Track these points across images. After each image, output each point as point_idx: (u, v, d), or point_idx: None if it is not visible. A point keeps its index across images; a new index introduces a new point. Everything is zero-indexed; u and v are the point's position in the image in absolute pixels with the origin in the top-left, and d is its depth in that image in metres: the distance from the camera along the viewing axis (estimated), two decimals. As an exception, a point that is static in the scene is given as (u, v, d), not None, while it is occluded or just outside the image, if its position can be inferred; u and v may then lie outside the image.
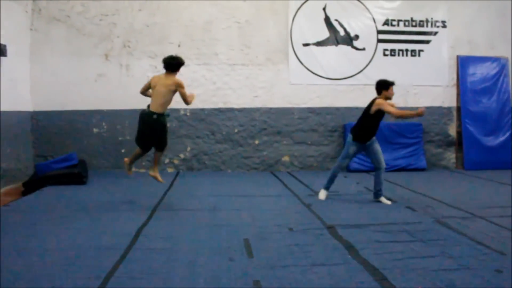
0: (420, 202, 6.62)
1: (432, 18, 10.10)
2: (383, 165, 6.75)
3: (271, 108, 9.67)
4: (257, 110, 9.63)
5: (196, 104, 9.43)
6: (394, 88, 9.90)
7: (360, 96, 9.84)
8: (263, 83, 9.64)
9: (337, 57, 9.76)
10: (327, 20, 9.75)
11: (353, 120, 9.69)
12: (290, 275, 3.75)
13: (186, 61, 9.37)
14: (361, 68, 9.82)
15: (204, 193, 7.24)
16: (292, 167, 9.70)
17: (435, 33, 10.11)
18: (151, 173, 6.49)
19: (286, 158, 9.74)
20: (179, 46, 9.46)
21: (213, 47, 9.53)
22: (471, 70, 10.25)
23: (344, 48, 9.80)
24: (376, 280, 3.64)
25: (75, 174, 7.88)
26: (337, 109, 9.75)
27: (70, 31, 9.21)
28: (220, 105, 9.57)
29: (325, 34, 9.76)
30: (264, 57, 9.63)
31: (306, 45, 9.69)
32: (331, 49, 9.76)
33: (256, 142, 9.66)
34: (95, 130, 9.41)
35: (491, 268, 3.94)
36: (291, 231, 5.09)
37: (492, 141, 10.20)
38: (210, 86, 9.55)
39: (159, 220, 5.53)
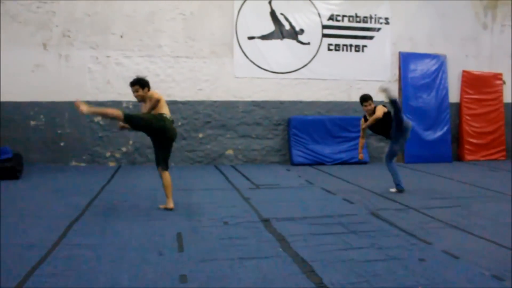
0: (358, 195, 6.72)
1: (375, 15, 10.29)
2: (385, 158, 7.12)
3: (215, 101, 9.60)
4: (201, 103, 9.53)
5: (139, 97, 9.31)
6: (338, 83, 10.11)
7: (305, 90, 9.96)
8: (207, 76, 9.54)
9: (282, 51, 9.78)
10: (273, 14, 9.75)
11: (298, 113, 9.88)
12: (218, 268, 3.71)
13: (129, 53, 9.28)
14: (306, 62, 9.89)
15: (144, 187, 7.11)
16: (236, 161, 9.67)
17: (378, 29, 10.30)
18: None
19: (230, 152, 9.69)
20: (121, 37, 9.24)
21: (157, 39, 9.35)
22: (412, 66, 10.52)
23: (289, 42, 9.84)
24: (304, 272, 3.65)
25: (8, 168, 7.56)
26: (282, 102, 9.78)
27: (3, 18, 8.79)
28: (164, 98, 9.36)
29: (270, 27, 9.76)
30: (208, 50, 9.53)
31: (251, 38, 9.66)
32: (276, 43, 9.77)
33: (200, 135, 9.57)
34: (32, 122, 9.06)
35: (416, 257, 4.04)
36: (226, 224, 5.05)
37: (431, 135, 10.52)
38: (153, 79, 9.25)
39: (92, 216, 5.36)
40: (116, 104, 9.21)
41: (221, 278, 3.53)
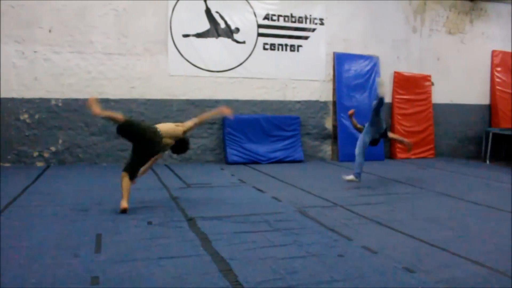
0: (288, 193, 6.77)
1: (310, 15, 10.41)
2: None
3: (148, 100, 9.41)
4: (134, 101, 9.32)
5: (69, 94, 9.01)
6: (274, 82, 10.20)
7: (240, 89, 9.94)
8: (140, 73, 9.33)
9: (217, 49, 9.72)
10: (208, 12, 9.67)
11: (233, 112, 9.81)
12: (133, 269, 3.61)
13: (59, 48, 8.93)
14: (241, 61, 9.88)
15: (70, 188, 6.84)
16: (171, 160, 9.51)
17: (313, 29, 10.43)
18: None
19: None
20: (50, 31, 8.86)
21: (88, 34, 9.04)
22: (346, 66, 10.72)
23: (224, 41, 9.78)
24: (221, 271, 3.62)
25: None
26: (217, 101, 9.71)
27: None
28: (95, 96, 9.08)
29: (205, 26, 9.66)
30: (142, 47, 9.33)
31: (186, 36, 9.53)
32: (211, 41, 9.69)
33: (134, 134, 9.34)
34: (-48, 120, 8.54)
35: (335, 253, 4.10)
36: (150, 224, 4.94)
37: (364, 134, 10.74)
38: (84, 76, 9.06)
39: (6, 219, 5.08)
40: (44, 102, 8.86)
41: (135, 278, 3.45)
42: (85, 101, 8.91)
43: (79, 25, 8.99)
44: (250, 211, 5.60)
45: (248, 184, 7.46)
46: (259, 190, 6.94)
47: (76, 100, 9.02)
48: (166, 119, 9.45)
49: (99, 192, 6.52)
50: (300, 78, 10.37)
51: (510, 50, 12.63)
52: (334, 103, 10.67)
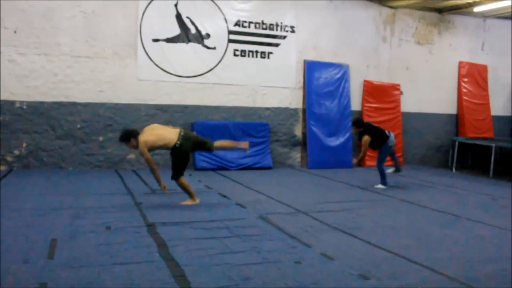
0: (252, 199, 6.75)
1: (281, 23, 10.46)
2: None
3: (117, 104, 9.30)
4: (102, 105, 9.19)
5: (34, 97, 8.84)
6: (244, 89, 10.24)
7: (209, 94, 9.91)
8: (109, 77, 9.22)
9: (187, 54, 9.67)
10: (179, 17, 9.63)
11: (202, 118, 9.83)
12: (85, 275, 3.55)
13: (24, 50, 8.76)
14: (211, 67, 9.86)
15: (31, 193, 6.70)
16: (138, 165, 9.41)
17: (284, 37, 10.48)
18: None
19: (132, 156, 9.42)
20: (15, 32, 8.69)
21: (55, 36, 8.89)
22: (316, 74, 10.79)
23: (195, 46, 9.75)
24: (174, 277, 3.58)
25: None
26: (186, 107, 9.67)
27: None
28: (62, 99, 8.97)
29: (176, 31, 9.62)
30: (111, 51, 9.22)
31: (156, 40, 9.47)
32: (181, 46, 9.65)
33: (100, 138, 9.22)
34: None
35: (292, 260, 4.09)
36: (108, 229, 4.86)
37: (334, 141, 10.84)
38: (50, 78, 8.90)
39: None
40: (8, 104, 8.67)
41: (86, 285, 3.38)
42: (50, 104, 8.86)
43: (46, 27, 8.84)
44: (212, 217, 5.57)
45: (213, 190, 7.42)
46: (224, 196, 6.91)
47: (42, 103, 8.85)
48: (134, 124, 9.37)
49: (60, 197, 6.38)
50: (270, 85, 10.40)
51: (476, 62, 12.92)
52: (304, 110, 10.73)
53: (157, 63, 9.46)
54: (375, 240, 4.83)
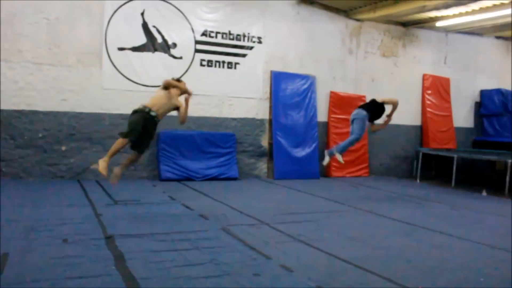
0: (216, 211, 6.69)
1: (249, 33, 10.49)
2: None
3: (80, 113, 9.13)
4: (65, 114, 9.01)
5: (-8, 105, 8.60)
6: (210, 99, 10.21)
7: (176, 104, 9.81)
8: (73, 85, 9.05)
9: (153, 64, 9.59)
10: (145, 26, 9.55)
11: (167, 128, 9.72)
12: (35, 291, 3.44)
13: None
14: (178, 77, 9.75)
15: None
16: (102, 176, 9.20)
17: (251, 47, 10.52)
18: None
19: (95, 166, 9.19)
20: (-26, 38, 8.47)
21: (16, 43, 8.68)
22: (283, 85, 10.85)
23: (161, 56, 9.68)
24: (129, 291, 3.51)
25: None
26: (152, 116, 9.56)
27: None
28: (23, 107, 8.75)
29: (142, 39, 9.54)
30: (75, 59, 9.07)
31: (121, 49, 9.36)
32: (147, 55, 9.57)
33: (63, 148, 9.03)
34: None
35: (251, 272, 4.06)
36: (65, 242, 4.74)
37: (300, 152, 10.89)
38: (11, 86, 8.68)
39: None
40: (-34, 112, 8.42)
41: (35, 301, 3.28)
42: (10, 112, 8.63)
43: (7, 33, 8.62)
44: (173, 229, 5.50)
45: (177, 201, 7.34)
46: (187, 207, 6.84)
47: (1, 111, 8.60)
48: (98, 133, 9.27)
49: (16, 209, 6.20)
50: (237, 95, 10.39)
51: (439, 74, 13.23)
52: (271, 121, 10.75)
53: (122, 72, 9.35)
54: (336, 251, 4.85)
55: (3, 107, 8.60)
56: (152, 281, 3.72)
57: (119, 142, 6.04)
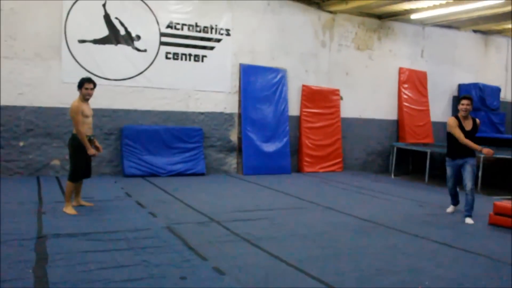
0: (168, 208, 6.47)
1: (216, 25, 10.22)
2: (469, 186, 6.50)
3: (39, 107, 8.83)
4: (22, 108, 8.71)
5: None
6: (176, 93, 9.91)
7: (140, 98, 9.57)
8: (30, 79, 8.74)
9: (116, 57, 9.30)
10: (107, 17, 9.25)
11: (132, 123, 9.46)
12: None
13: None
14: (142, 70, 9.52)
15: None
16: (63, 172, 8.95)
17: (219, 40, 10.25)
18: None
19: (56, 162, 8.97)
20: None
21: (-31, 35, 8.38)
22: (252, 78, 10.60)
23: (124, 48, 9.39)
24: (36, 297, 3.26)
25: None
26: (114, 111, 9.29)
27: None
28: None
29: (104, 32, 9.24)
30: (32, 52, 8.75)
31: (82, 41, 9.06)
32: (110, 48, 9.27)
33: (21, 144, 8.73)
34: None
35: (178, 275, 3.83)
36: (-7, 243, 4.48)
37: (270, 147, 10.65)
38: (-36, 79, 8.39)
39: None
40: None
41: None
42: (-36, 107, 8.30)
43: (-42, 24, 8.31)
44: (115, 227, 5.25)
45: (132, 198, 7.09)
46: (139, 204, 6.60)
47: (-48, 105, 8.32)
48: (59, 128, 8.98)
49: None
50: (204, 89, 10.13)
51: (416, 68, 13.04)
52: (240, 115, 10.50)
53: (83, 65, 9.05)
54: (281, 252, 4.62)
55: (-45, 101, 8.30)
56: (65, 285, 3.47)
57: (71, 185, 6.04)
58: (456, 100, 13.96)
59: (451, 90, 13.98)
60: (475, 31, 14.07)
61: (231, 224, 5.69)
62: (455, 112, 14.00)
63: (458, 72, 13.95)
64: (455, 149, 6.66)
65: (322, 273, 4.05)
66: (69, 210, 5.92)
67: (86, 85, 6.12)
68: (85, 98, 6.17)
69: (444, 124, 13.75)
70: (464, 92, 13.80)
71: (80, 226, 5.23)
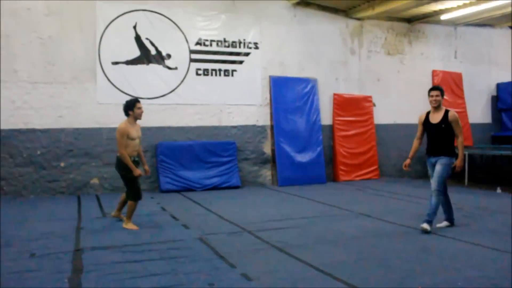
0: (200, 220, 6.58)
1: (244, 40, 10.40)
2: (433, 186, 5.99)
3: (77, 129, 9.18)
4: (61, 130, 9.08)
5: (-11, 125, 8.75)
6: (208, 108, 10.04)
7: (173, 115, 9.80)
8: (68, 102, 9.13)
9: (148, 76, 9.59)
10: (138, 38, 9.58)
11: (166, 139, 9.69)
12: (-25, 307, 3.38)
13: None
14: (173, 88, 9.77)
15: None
16: (102, 190, 9.26)
17: (248, 54, 10.40)
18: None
19: (95, 181, 9.28)
20: (-30, 61, 8.64)
21: (11, 63, 8.82)
22: (283, 90, 10.67)
23: (155, 67, 9.68)
24: (69, 305, 3.40)
25: None
26: (149, 129, 9.53)
27: None
28: (20, 126, 8.87)
29: (135, 52, 9.56)
30: (69, 75, 9.15)
31: (115, 63, 9.40)
32: (142, 68, 9.58)
33: (62, 164, 9.09)
34: None
35: (207, 282, 3.90)
36: (32, 256, 4.70)
37: (304, 157, 10.66)
38: (8, 106, 8.81)
39: None
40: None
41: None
42: (8, 131, 8.74)
43: (2, 53, 8.76)
44: (148, 240, 5.39)
45: (167, 212, 7.24)
46: (173, 218, 6.74)
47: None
48: (96, 148, 9.29)
49: (7, 225, 6.22)
50: (235, 103, 10.28)
51: (449, 70, 12.80)
52: (272, 127, 10.58)
53: (117, 85, 9.37)
54: (309, 258, 4.63)
55: (2, 127, 8.73)
56: (97, 294, 3.61)
57: (133, 204, 6.19)
58: (495, 100, 13.66)
59: (489, 90, 13.64)
60: (511, 27, 13.70)
61: (262, 233, 5.74)
62: (495, 112, 13.69)
63: (496, 71, 13.60)
64: (429, 145, 6.25)
65: (350, 277, 4.04)
66: (130, 226, 6.06)
67: (138, 105, 6.17)
68: (138, 118, 6.23)
69: (483, 126, 13.48)
70: (503, 91, 13.45)
71: (115, 240, 5.40)
